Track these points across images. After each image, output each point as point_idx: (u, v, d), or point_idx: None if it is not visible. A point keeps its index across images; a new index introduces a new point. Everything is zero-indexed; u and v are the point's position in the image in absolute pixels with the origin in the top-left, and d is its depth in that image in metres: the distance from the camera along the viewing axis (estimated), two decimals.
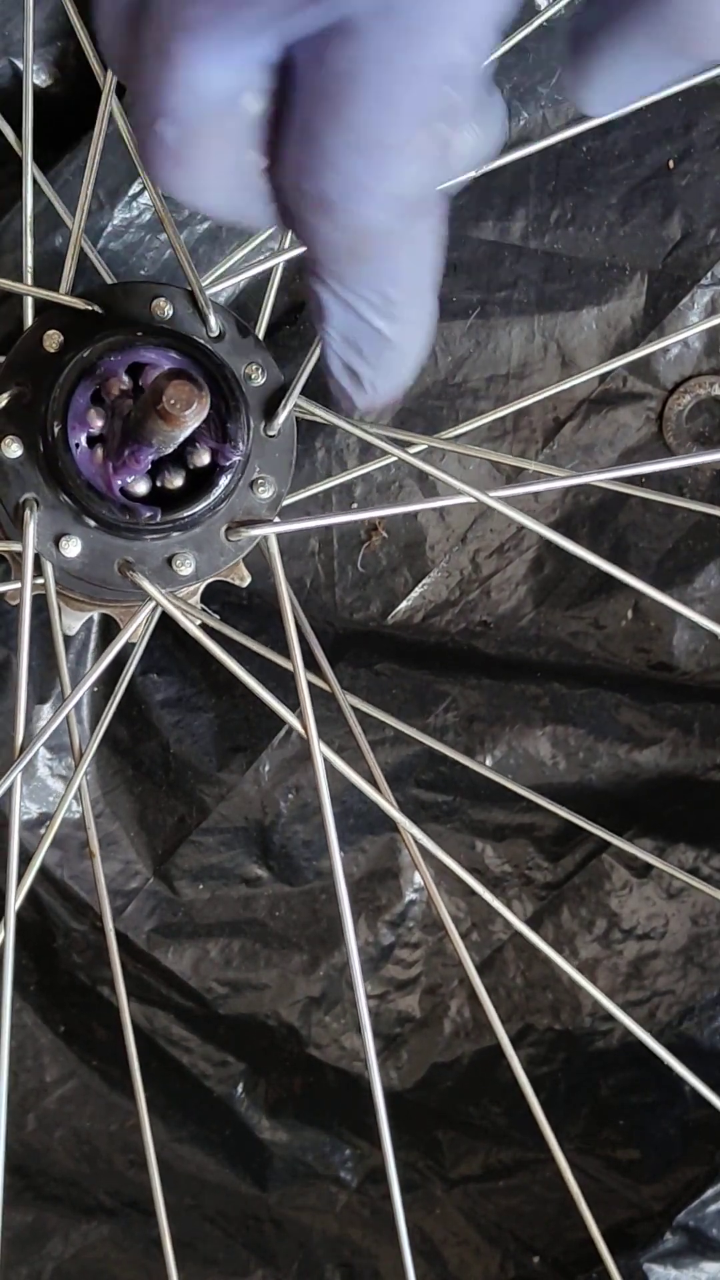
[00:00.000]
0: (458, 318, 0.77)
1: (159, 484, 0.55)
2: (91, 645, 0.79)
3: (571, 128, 0.67)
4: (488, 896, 0.57)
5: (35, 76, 0.73)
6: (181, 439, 0.52)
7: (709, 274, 0.77)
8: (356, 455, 0.76)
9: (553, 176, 0.77)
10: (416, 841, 0.57)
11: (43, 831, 0.79)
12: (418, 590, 0.78)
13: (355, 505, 0.77)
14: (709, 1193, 0.71)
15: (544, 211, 0.77)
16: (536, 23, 0.65)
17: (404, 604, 0.78)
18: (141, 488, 0.55)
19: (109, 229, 0.72)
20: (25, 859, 0.78)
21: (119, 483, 0.54)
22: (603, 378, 0.77)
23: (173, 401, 0.48)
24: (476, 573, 0.79)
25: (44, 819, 0.79)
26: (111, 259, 0.71)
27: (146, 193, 0.72)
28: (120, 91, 0.68)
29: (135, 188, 0.72)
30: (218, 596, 0.75)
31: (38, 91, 0.74)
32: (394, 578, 0.78)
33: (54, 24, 0.75)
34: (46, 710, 0.78)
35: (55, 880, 0.79)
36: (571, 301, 0.77)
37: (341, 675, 0.79)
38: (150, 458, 0.54)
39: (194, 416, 0.49)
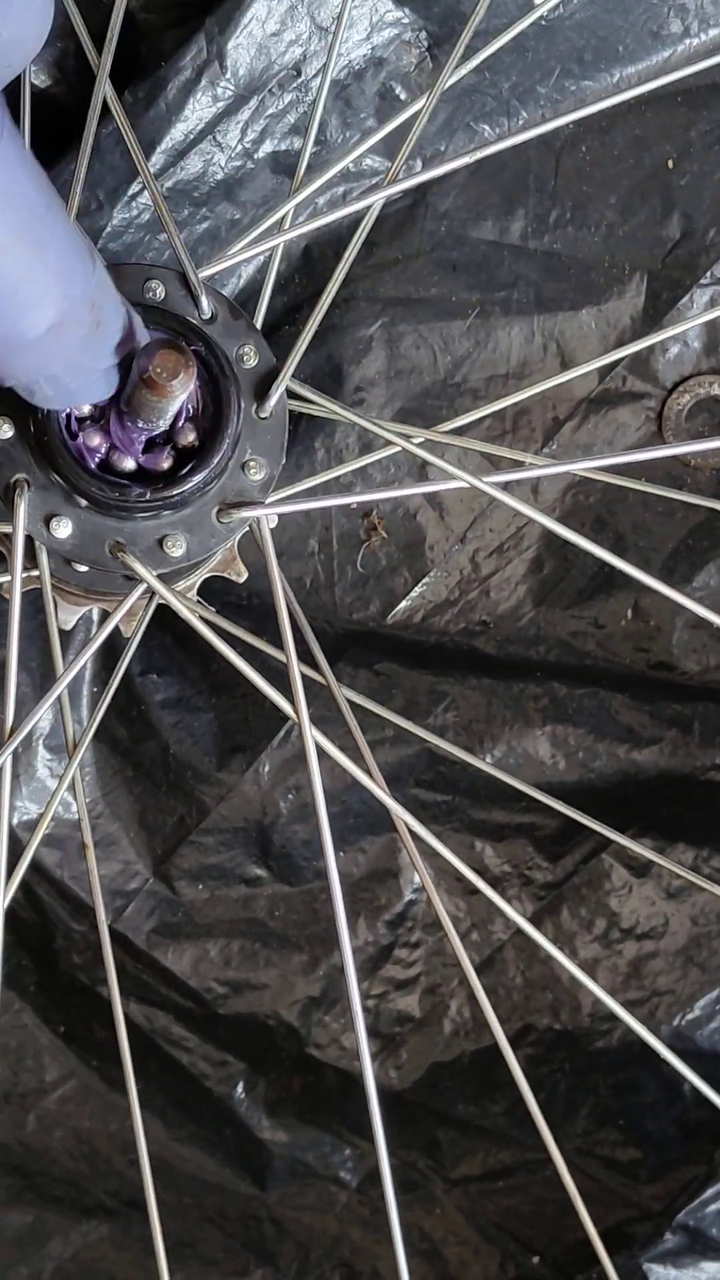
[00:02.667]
0: (457, 318, 0.77)
1: (147, 464, 0.55)
2: (92, 646, 0.79)
3: (563, 116, 0.67)
4: (479, 883, 0.57)
5: (35, 77, 0.73)
6: (171, 411, 0.52)
7: (708, 273, 0.77)
8: (355, 453, 0.76)
9: (552, 177, 0.77)
10: (411, 830, 0.57)
11: (45, 831, 0.79)
12: (417, 590, 0.78)
13: (355, 507, 0.78)
14: (709, 1193, 0.71)
15: (543, 212, 0.77)
16: (531, 18, 0.65)
17: (404, 604, 0.78)
18: (129, 464, 0.55)
19: (108, 230, 0.72)
20: (21, 855, 0.78)
21: (111, 456, 0.54)
22: (601, 377, 0.77)
23: (159, 370, 0.48)
24: (476, 572, 0.79)
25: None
26: (111, 260, 0.71)
27: (145, 192, 0.72)
28: (120, 90, 0.68)
29: (134, 188, 0.72)
30: (217, 596, 0.75)
31: (38, 92, 0.74)
32: (393, 578, 0.78)
33: (54, 24, 0.75)
34: (46, 710, 0.78)
35: (55, 881, 0.79)
36: (571, 301, 0.77)
37: (341, 675, 0.79)
38: (142, 436, 0.54)
39: (180, 386, 0.49)
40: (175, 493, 0.54)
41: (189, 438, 0.55)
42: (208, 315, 0.57)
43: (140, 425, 0.53)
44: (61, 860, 0.79)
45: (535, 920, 0.81)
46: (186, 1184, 0.79)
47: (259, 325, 0.61)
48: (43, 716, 0.78)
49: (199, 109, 0.72)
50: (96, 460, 0.54)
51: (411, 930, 0.81)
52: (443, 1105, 0.80)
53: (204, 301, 0.57)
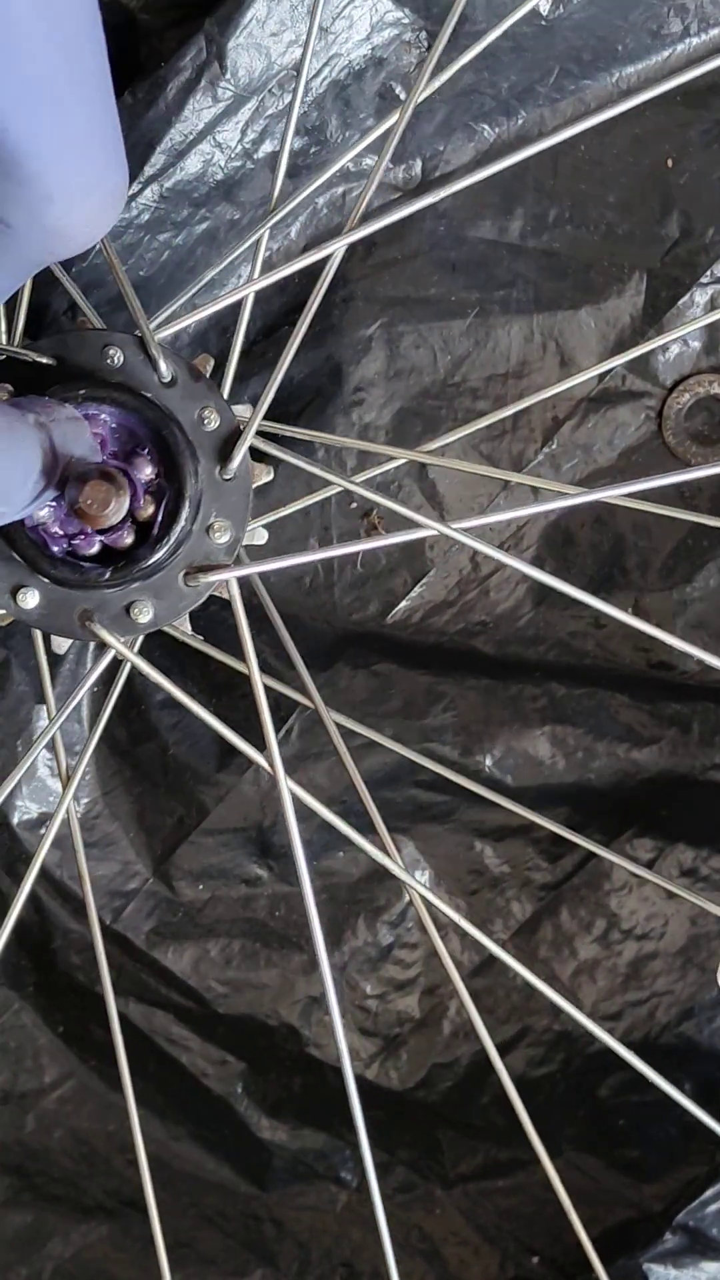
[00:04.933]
0: (456, 317, 0.77)
1: (110, 541, 0.55)
2: (91, 646, 0.79)
3: (570, 126, 0.67)
4: (491, 946, 0.57)
5: None
6: (111, 524, 0.53)
7: (708, 272, 0.76)
8: (355, 455, 0.76)
9: (551, 176, 0.77)
10: (419, 894, 0.57)
11: (42, 832, 0.79)
12: (416, 590, 0.78)
13: (354, 506, 0.77)
14: (709, 1193, 0.71)
15: (542, 211, 0.77)
16: (521, 11, 0.65)
17: (403, 604, 0.78)
18: (94, 549, 0.55)
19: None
20: (25, 860, 0.78)
21: (74, 541, 0.55)
22: (601, 376, 0.77)
23: (89, 502, 0.50)
24: (475, 573, 0.79)
25: (44, 819, 0.79)
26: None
27: (146, 192, 0.72)
28: (120, 91, 0.68)
29: (134, 188, 0.72)
30: (214, 597, 0.75)
31: None
32: (393, 578, 0.78)
33: None
34: (45, 710, 0.78)
35: (54, 881, 0.79)
36: (570, 301, 0.77)
37: (340, 675, 0.79)
38: (92, 534, 0.54)
39: (114, 514, 0.50)
40: (137, 569, 0.55)
41: (148, 511, 0.55)
42: (167, 379, 0.57)
43: (86, 530, 0.54)
44: (61, 860, 0.79)
45: (534, 921, 0.80)
46: (186, 1184, 0.79)
47: (230, 378, 0.61)
48: (43, 715, 0.78)
49: (199, 109, 0.72)
50: (59, 547, 0.55)
51: (411, 931, 0.81)
52: (443, 1105, 0.80)
53: (162, 366, 0.57)
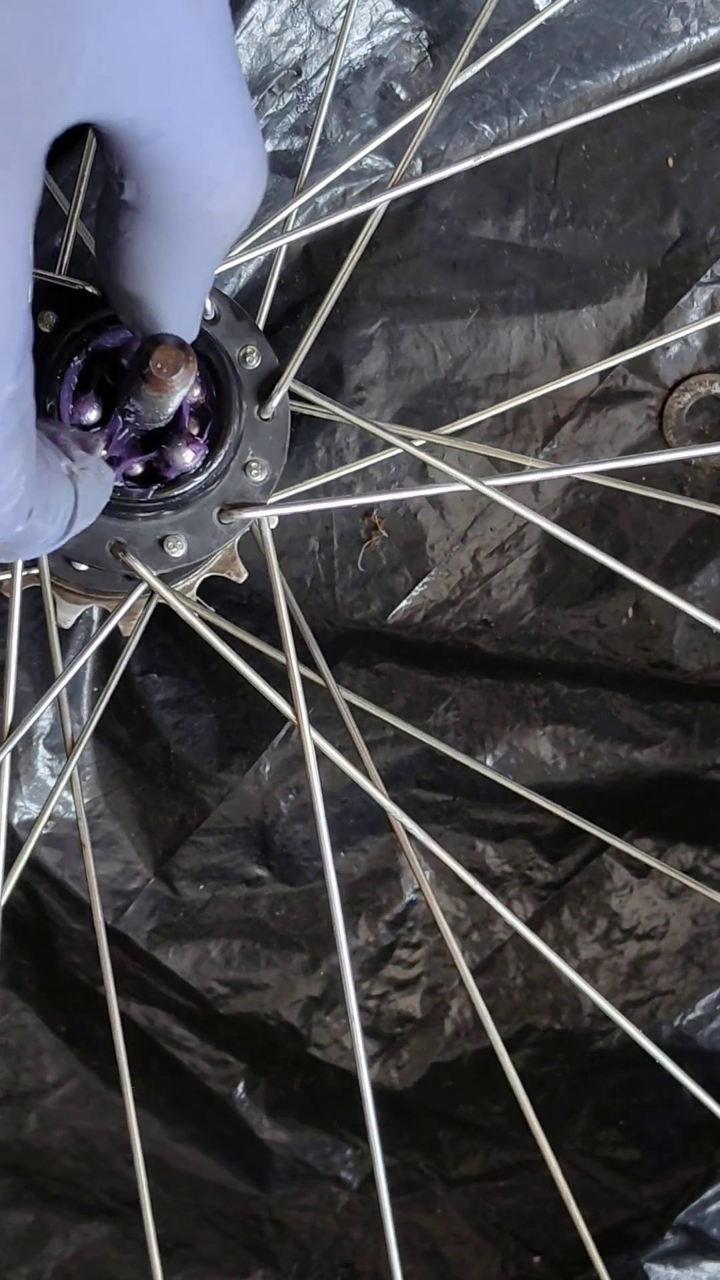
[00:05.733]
0: (457, 317, 0.77)
1: (155, 465, 0.55)
2: (91, 646, 0.79)
3: (570, 120, 0.67)
4: (479, 888, 0.57)
5: None
6: (170, 408, 0.52)
7: (708, 272, 0.77)
8: (356, 453, 0.76)
9: (552, 175, 0.77)
10: (409, 833, 0.57)
11: (42, 830, 0.79)
12: (418, 589, 0.78)
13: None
14: (709, 1193, 0.71)
15: (543, 210, 0.77)
16: (536, 22, 0.65)
17: (404, 603, 0.78)
18: (138, 469, 0.55)
19: None
20: (20, 852, 0.78)
21: (115, 461, 0.54)
22: (602, 376, 0.77)
23: (159, 366, 0.48)
24: (477, 572, 0.79)
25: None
26: None
27: None
28: None
29: None
30: (218, 595, 0.75)
31: None
32: (394, 577, 0.78)
33: None
34: (46, 708, 0.78)
35: (55, 880, 0.79)
36: (571, 300, 0.77)
37: (342, 675, 0.79)
38: (138, 432, 0.53)
39: (180, 382, 0.49)
40: (177, 493, 0.54)
41: (193, 430, 0.55)
42: (210, 316, 0.57)
43: (136, 423, 0.53)
44: (62, 860, 0.79)
45: (536, 920, 0.80)
46: (186, 1184, 0.79)
47: (261, 321, 0.61)
48: (43, 716, 0.78)
49: None
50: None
51: (412, 931, 0.81)
52: (443, 1105, 0.80)
53: (207, 303, 0.57)
